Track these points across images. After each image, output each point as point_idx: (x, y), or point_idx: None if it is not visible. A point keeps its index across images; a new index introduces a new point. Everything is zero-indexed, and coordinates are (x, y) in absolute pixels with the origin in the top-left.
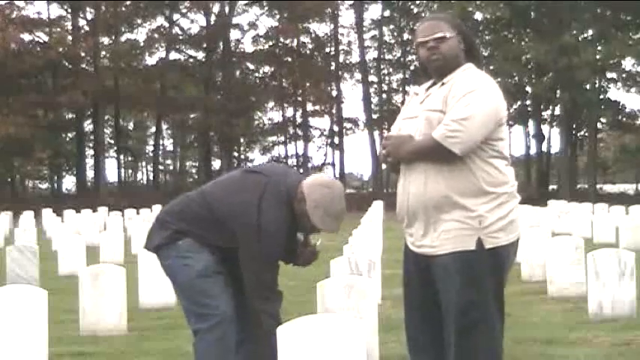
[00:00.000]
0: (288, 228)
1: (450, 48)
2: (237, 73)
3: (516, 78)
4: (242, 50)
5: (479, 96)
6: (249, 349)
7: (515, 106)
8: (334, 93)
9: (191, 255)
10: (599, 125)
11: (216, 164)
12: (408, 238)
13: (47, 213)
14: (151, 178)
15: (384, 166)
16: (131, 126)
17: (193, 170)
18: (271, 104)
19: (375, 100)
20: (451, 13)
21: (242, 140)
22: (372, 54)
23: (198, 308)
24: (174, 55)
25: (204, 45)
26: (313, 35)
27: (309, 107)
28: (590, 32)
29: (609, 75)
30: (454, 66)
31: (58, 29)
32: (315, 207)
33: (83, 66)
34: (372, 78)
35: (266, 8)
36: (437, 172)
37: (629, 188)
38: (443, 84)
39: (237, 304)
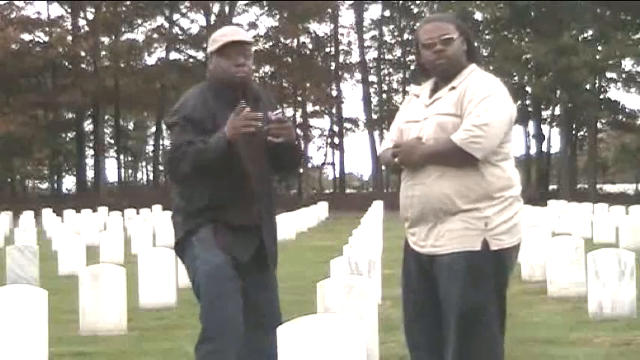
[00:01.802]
0: (207, 100)
1: (455, 50)
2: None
3: (516, 78)
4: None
5: (497, 101)
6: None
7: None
8: (334, 93)
9: (197, 254)
10: (599, 125)
11: None
12: (410, 238)
13: (47, 213)
14: (151, 178)
15: (383, 167)
16: (131, 126)
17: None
18: None
19: (375, 100)
20: (453, 14)
21: None
22: (372, 54)
23: (202, 315)
24: (174, 55)
25: (204, 45)
26: (313, 35)
27: (309, 107)
28: (590, 32)
29: (609, 75)
30: (458, 68)
31: (58, 29)
32: (213, 40)
33: (83, 66)
34: (372, 78)
35: (266, 8)
36: (446, 175)
37: (629, 188)
38: (453, 88)
39: (246, 310)
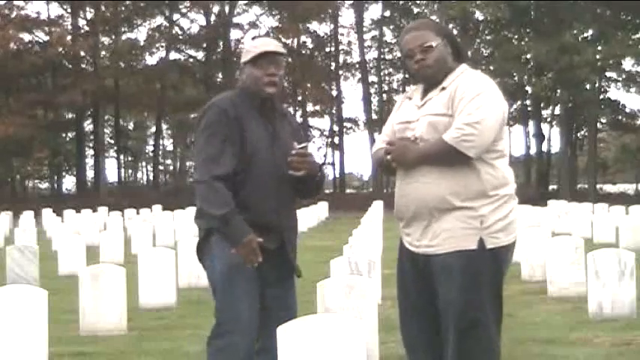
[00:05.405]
0: (236, 108)
1: (437, 56)
2: (237, 73)
3: (516, 78)
4: (242, 50)
5: (488, 99)
6: (266, 358)
7: (515, 106)
8: (334, 93)
9: (216, 253)
10: (599, 125)
11: None
12: (405, 238)
13: (47, 213)
14: (151, 178)
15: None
16: (131, 126)
17: (193, 170)
18: None
19: (375, 100)
20: (446, 12)
21: None
22: (372, 54)
23: (215, 311)
24: (174, 55)
25: (204, 45)
26: (314, 35)
27: (309, 107)
28: (590, 32)
29: (609, 75)
30: (445, 71)
31: (58, 29)
32: (246, 50)
33: (83, 66)
34: (372, 78)
35: (266, 8)
36: (440, 175)
37: (629, 188)
38: (443, 88)
39: (260, 311)
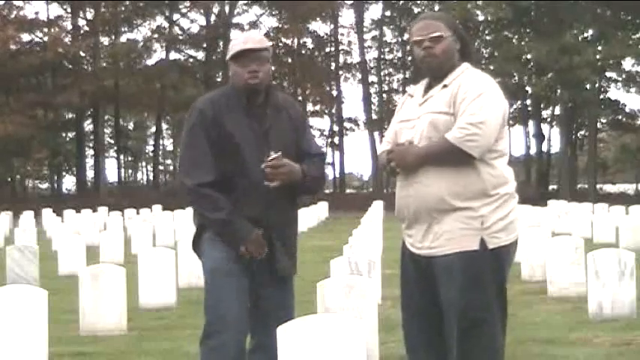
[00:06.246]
0: (221, 105)
1: (445, 48)
2: None
3: (516, 78)
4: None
5: (490, 98)
6: (260, 357)
7: (515, 106)
8: (334, 93)
9: (204, 252)
10: (599, 125)
11: None
12: (407, 239)
13: (47, 213)
14: (151, 178)
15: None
16: (131, 126)
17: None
18: None
19: (375, 100)
20: (448, 12)
21: None
22: (372, 54)
23: (205, 310)
24: (174, 55)
25: (204, 45)
26: (315, 35)
27: (310, 107)
28: (590, 32)
29: (609, 75)
30: (449, 66)
31: (57, 28)
32: (230, 47)
33: (83, 66)
34: (372, 78)
35: (266, 8)
36: (439, 175)
37: (629, 188)
38: (445, 86)
39: (251, 309)
